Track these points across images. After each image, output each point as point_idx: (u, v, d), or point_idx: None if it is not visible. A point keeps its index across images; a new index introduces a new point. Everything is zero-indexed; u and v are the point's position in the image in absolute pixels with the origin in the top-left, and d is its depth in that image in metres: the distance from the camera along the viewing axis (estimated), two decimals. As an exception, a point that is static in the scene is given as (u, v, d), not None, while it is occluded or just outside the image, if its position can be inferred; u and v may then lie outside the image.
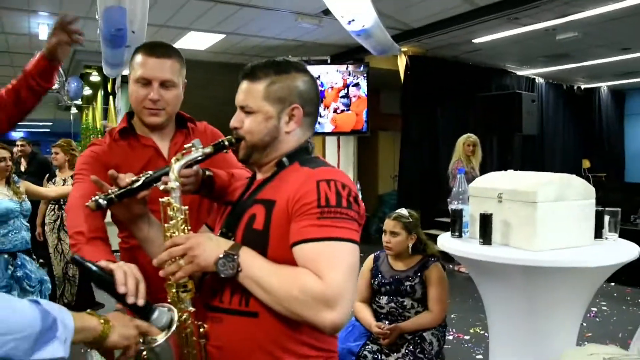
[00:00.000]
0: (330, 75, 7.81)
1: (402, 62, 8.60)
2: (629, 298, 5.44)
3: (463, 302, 5.22)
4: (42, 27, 6.92)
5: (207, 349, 1.23)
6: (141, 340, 1.13)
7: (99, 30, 4.52)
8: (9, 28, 7.09)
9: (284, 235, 1.16)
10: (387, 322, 2.65)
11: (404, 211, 2.77)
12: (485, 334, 4.28)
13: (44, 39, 7.29)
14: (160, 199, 1.24)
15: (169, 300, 1.21)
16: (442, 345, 2.66)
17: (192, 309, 1.22)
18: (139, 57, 1.60)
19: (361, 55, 8.25)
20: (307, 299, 1.07)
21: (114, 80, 9.52)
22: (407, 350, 2.51)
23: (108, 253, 1.39)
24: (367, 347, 2.59)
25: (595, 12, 6.38)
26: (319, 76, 7.66)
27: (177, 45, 7.99)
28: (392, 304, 2.69)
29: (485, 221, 2.23)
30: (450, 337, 4.17)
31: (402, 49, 8.09)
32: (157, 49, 1.60)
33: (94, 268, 1.13)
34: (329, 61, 8.64)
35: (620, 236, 2.43)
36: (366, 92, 7.89)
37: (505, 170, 2.71)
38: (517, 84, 10.55)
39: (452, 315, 4.59)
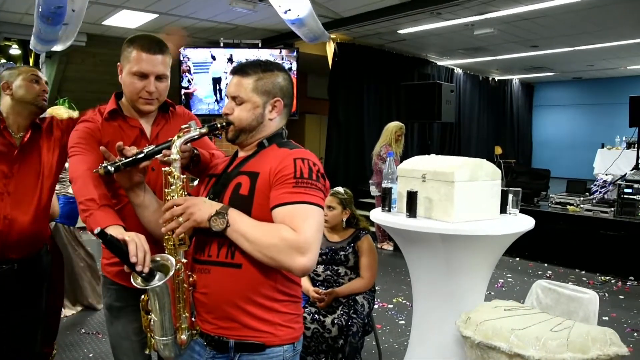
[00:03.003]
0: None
1: (330, 49, 8.90)
2: (530, 271, 6.08)
3: (386, 276, 5.66)
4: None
5: (194, 295, 1.50)
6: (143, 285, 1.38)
7: (37, 6, 4.50)
8: None
9: (265, 200, 1.43)
10: (323, 288, 2.97)
11: (340, 189, 3.10)
12: (407, 302, 4.73)
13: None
14: (163, 169, 1.49)
15: (166, 252, 1.46)
16: (372, 307, 3.02)
17: (184, 260, 1.48)
18: (134, 52, 1.76)
19: (291, 40, 8.49)
20: (284, 246, 1.33)
21: (36, 55, 9.20)
22: (342, 312, 2.84)
23: (117, 218, 1.55)
24: (306, 309, 2.89)
25: (509, 12, 6.97)
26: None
27: (107, 22, 7.91)
28: (328, 272, 3.01)
29: (411, 198, 2.58)
30: (376, 306, 4.56)
31: (331, 36, 8.40)
32: (153, 46, 1.77)
33: (114, 240, 1.35)
34: (260, 45, 8.81)
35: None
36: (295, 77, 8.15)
37: (426, 154, 3.08)
38: (438, 73, 11.14)
39: (376, 287, 5.01)
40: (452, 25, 7.75)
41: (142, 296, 1.47)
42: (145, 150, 1.51)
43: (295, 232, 1.35)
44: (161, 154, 1.51)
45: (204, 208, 1.41)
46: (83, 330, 4.01)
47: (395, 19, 7.24)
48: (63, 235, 4.16)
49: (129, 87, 1.81)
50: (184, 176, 1.50)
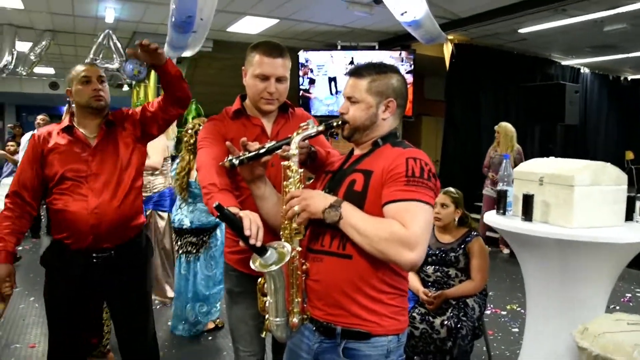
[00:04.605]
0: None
1: (447, 50, 8.74)
2: (665, 287, 5.60)
3: (501, 282, 5.50)
4: (109, 10, 7.34)
5: (306, 282, 1.60)
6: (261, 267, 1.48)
7: (171, 17, 4.90)
8: (78, 11, 7.53)
9: (377, 197, 1.50)
10: (433, 289, 2.97)
11: (451, 188, 3.09)
12: (521, 310, 4.56)
13: (109, 22, 7.76)
14: (282, 163, 1.61)
15: (282, 240, 1.57)
16: (482, 311, 2.98)
17: (299, 248, 1.58)
18: (257, 57, 1.93)
19: (407, 41, 8.44)
20: (394, 241, 1.40)
21: (169, 61, 9.96)
22: (452, 314, 2.82)
23: (235, 201, 1.67)
24: (415, 310, 2.91)
25: (644, 5, 6.41)
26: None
27: (231, 29, 8.38)
28: (438, 273, 3.00)
29: (528, 201, 2.52)
30: (488, 312, 4.46)
31: (448, 37, 8.24)
32: (274, 50, 1.93)
33: (230, 214, 1.47)
34: (376, 47, 8.88)
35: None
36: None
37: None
38: (562, 73, 10.50)
39: (490, 293, 4.87)
40: (579, 22, 7.27)
41: (260, 279, 1.59)
42: (267, 145, 1.63)
43: (404, 227, 1.40)
44: (281, 150, 1.62)
45: (318, 200, 1.51)
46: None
47: (515, 17, 6.95)
48: (151, 223, 4.33)
49: (252, 88, 1.96)
50: (301, 170, 1.60)
